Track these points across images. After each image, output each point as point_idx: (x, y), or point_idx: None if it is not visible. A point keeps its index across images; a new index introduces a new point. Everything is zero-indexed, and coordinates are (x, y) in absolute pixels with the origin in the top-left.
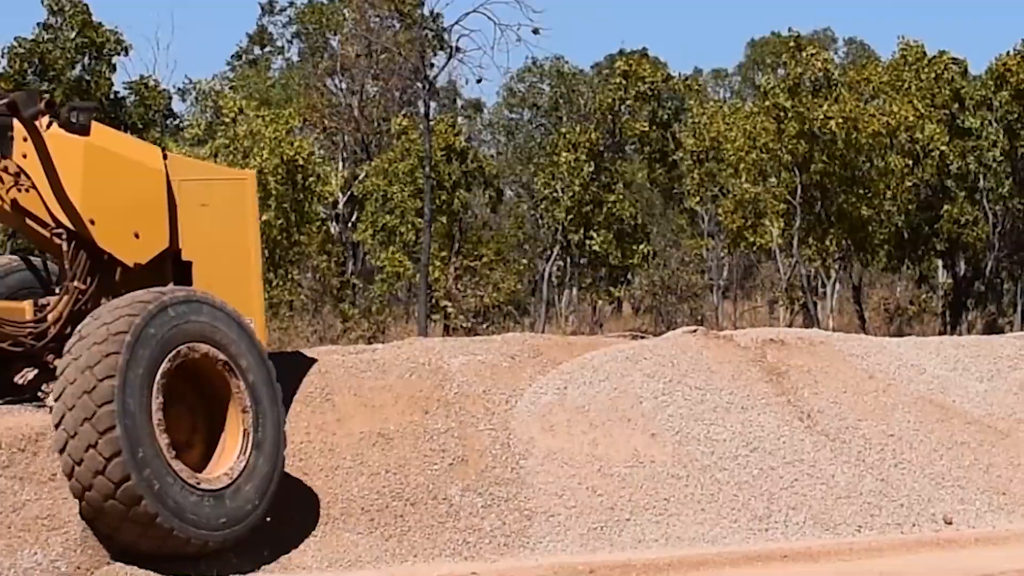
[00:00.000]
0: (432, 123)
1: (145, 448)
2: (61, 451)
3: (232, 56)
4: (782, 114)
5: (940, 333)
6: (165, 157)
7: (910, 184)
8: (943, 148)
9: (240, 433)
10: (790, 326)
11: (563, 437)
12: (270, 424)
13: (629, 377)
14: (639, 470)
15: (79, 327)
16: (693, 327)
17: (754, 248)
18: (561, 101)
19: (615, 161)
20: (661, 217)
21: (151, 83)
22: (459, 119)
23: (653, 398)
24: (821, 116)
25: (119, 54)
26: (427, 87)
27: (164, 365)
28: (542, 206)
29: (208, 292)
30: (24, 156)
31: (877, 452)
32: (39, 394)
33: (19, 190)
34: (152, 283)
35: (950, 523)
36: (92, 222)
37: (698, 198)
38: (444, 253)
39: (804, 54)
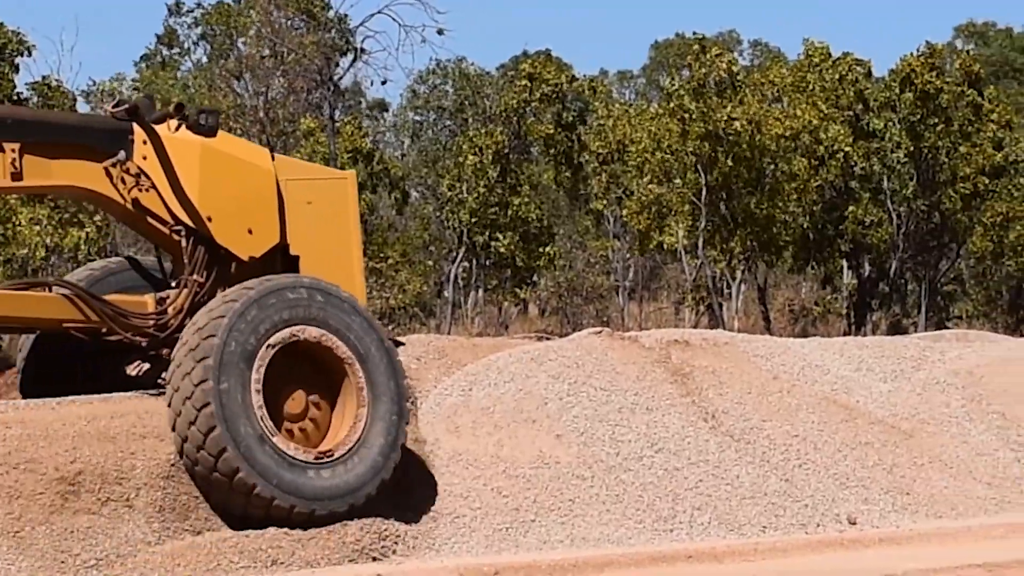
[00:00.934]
0: (338, 125)
1: (242, 423)
2: (172, 428)
3: (141, 57)
4: (687, 116)
5: (845, 334)
6: (273, 158)
7: (815, 186)
8: (847, 149)
9: (355, 411)
10: (695, 327)
11: (468, 438)
12: (386, 401)
13: (534, 378)
14: (544, 471)
15: (194, 318)
16: (598, 328)
17: (660, 249)
18: (466, 103)
19: (520, 163)
20: (567, 219)
21: (54, 84)
22: (365, 121)
23: (558, 399)
24: (725, 117)
25: (22, 55)
26: (332, 89)
27: (266, 346)
28: (447, 208)
29: (319, 279)
30: (144, 158)
31: (781, 453)
32: (159, 381)
33: (140, 190)
34: (264, 275)
35: (854, 523)
36: (209, 219)
37: (604, 200)
38: None
39: (708, 55)
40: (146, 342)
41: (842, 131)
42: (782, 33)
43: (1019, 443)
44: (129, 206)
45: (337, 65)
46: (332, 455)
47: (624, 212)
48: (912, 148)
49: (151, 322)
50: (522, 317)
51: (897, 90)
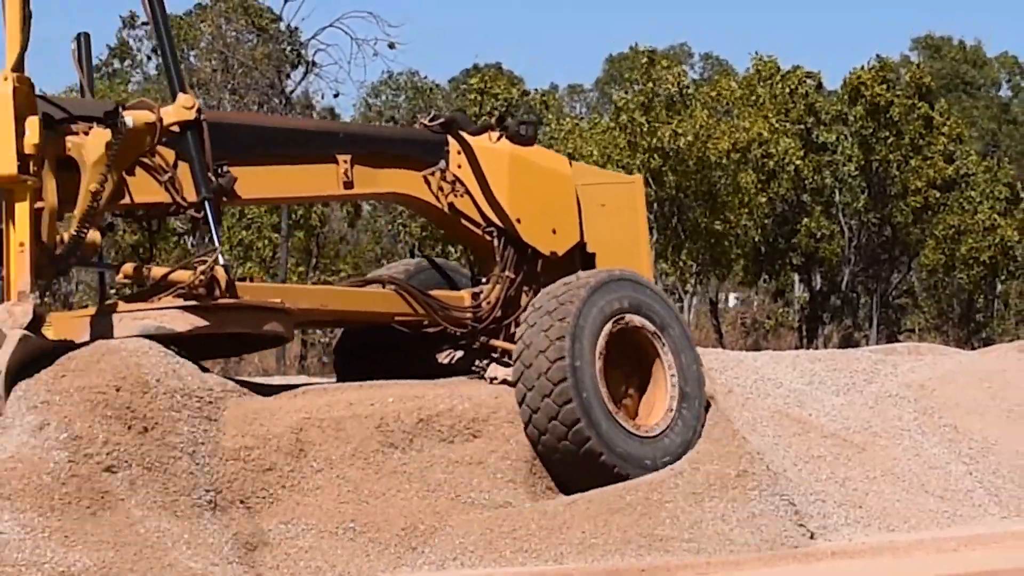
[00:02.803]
0: None
1: (591, 397)
2: (520, 403)
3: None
4: (637, 129)
5: (796, 347)
6: (571, 165)
7: (764, 199)
8: (798, 163)
9: (667, 390)
10: None
11: None
12: (693, 382)
13: None
14: None
15: (534, 301)
16: None
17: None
18: (418, 116)
19: None
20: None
21: None
22: None
23: None
24: (671, 132)
25: None
26: (284, 102)
27: (604, 330)
28: (399, 221)
29: (636, 272)
30: (459, 167)
31: None
32: (472, 369)
33: (455, 196)
34: (566, 272)
35: (812, 537)
36: (518, 221)
37: None
38: (302, 268)
39: (657, 69)
40: (461, 333)
41: (793, 144)
42: (735, 46)
43: (970, 456)
44: (445, 210)
45: (288, 77)
46: (655, 431)
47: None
48: (863, 161)
49: (469, 315)
50: None
51: (847, 103)
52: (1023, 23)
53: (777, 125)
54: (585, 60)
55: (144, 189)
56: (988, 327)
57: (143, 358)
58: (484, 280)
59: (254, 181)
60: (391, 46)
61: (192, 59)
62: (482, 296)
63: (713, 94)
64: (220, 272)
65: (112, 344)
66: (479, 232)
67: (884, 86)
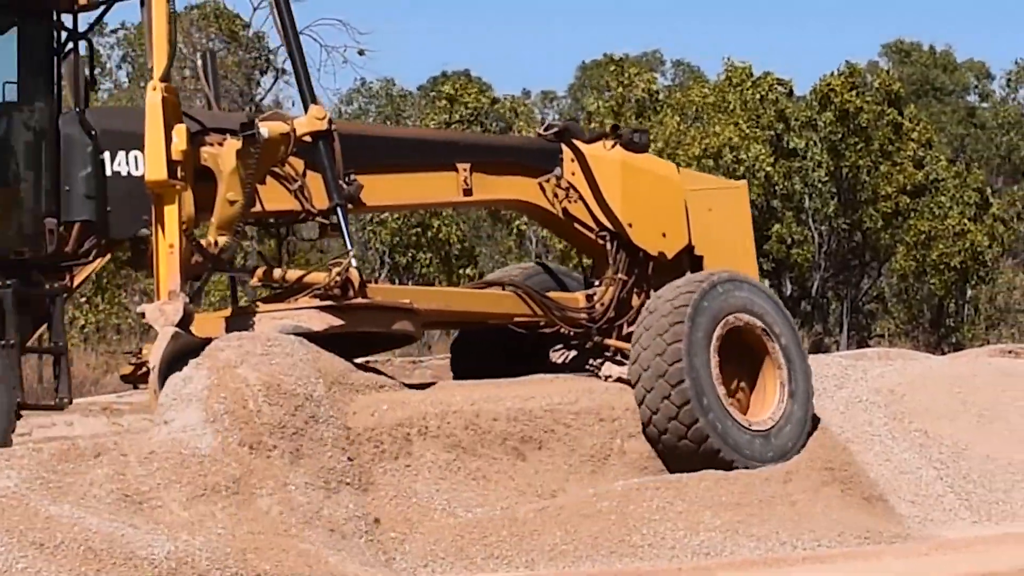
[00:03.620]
0: None
1: (708, 397)
2: (640, 403)
3: None
4: None
5: None
6: (678, 171)
7: None
8: (768, 169)
9: (777, 386)
10: None
11: None
12: (801, 378)
13: None
14: None
15: (647, 305)
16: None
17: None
18: (388, 123)
19: None
20: (489, 239)
21: None
22: None
23: None
24: None
25: None
26: (254, 109)
27: (717, 331)
28: (369, 228)
29: (745, 274)
30: (572, 174)
31: None
32: (586, 367)
33: (569, 201)
34: (675, 274)
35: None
36: (630, 225)
37: (526, 220)
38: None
39: (627, 75)
40: (574, 333)
41: (763, 150)
42: (706, 53)
43: (941, 461)
44: (560, 216)
45: (258, 85)
46: (767, 425)
47: (546, 232)
48: (833, 167)
49: (583, 315)
50: (445, 337)
51: (817, 109)
52: (990, 30)
53: (747, 131)
54: (559, 67)
55: (274, 197)
56: (958, 332)
57: (291, 349)
58: (597, 282)
59: (379, 189)
60: (360, 52)
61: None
62: (596, 297)
63: (684, 100)
64: (354, 274)
65: (262, 337)
66: (592, 236)
67: (854, 92)
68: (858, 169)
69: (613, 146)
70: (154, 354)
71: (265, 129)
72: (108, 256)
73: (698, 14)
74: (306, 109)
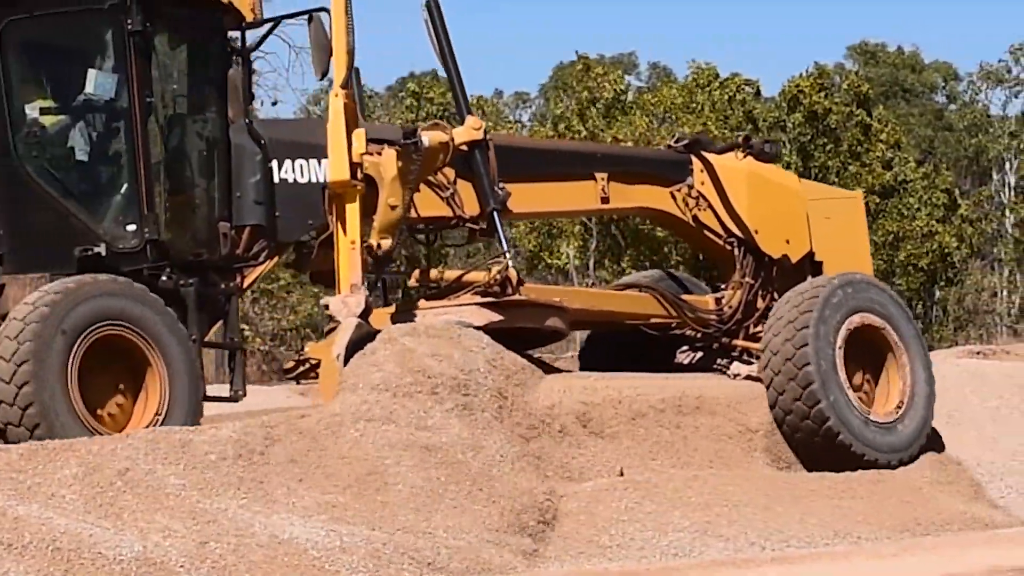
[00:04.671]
0: None
1: (830, 382)
2: (768, 386)
3: None
4: (575, 136)
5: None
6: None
7: None
8: None
9: (900, 382)
10: None
11: None
12: (923, 376)
13: None
14: None
15: (781, 299)
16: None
17: (551, 269)
18: None
19: None
20: (457, 238)
21: None
22: None
23: None
24: (610, 139)
25: None
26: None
27: (844, 326)
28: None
29: (870, 276)
30: (702, 183)
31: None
32: (714, 367)
33: (699, 209)
34: (797, 279)
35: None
36: (756, 232)
37: None
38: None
39: (593, 76)
40: (702, 335)
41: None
42: (681, 55)
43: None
44: (690, 223)
45: None
46: (890, 418)
47: (513, 232)
48: (802, 168)
49: (713, 317)
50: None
51: (786, 110)
52: (955, 31)
53: (716, 132)
54: (537, 68)
55: (427, 203)
56: (927, 334)
57: (467, 339)
58: (723, 286)
59: (525, 197)
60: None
61: None
62: (724, 300)
63: (654, 101)
64: (512, 273)
65: (439, 328)
66: (720, 242)
67: (822, 94)
68: (827, 170)
69: (745, 156)
70: (338, 343)
71: (426, 138)
72: (276, 259)
73: (672, 16)
74: (462, 120)
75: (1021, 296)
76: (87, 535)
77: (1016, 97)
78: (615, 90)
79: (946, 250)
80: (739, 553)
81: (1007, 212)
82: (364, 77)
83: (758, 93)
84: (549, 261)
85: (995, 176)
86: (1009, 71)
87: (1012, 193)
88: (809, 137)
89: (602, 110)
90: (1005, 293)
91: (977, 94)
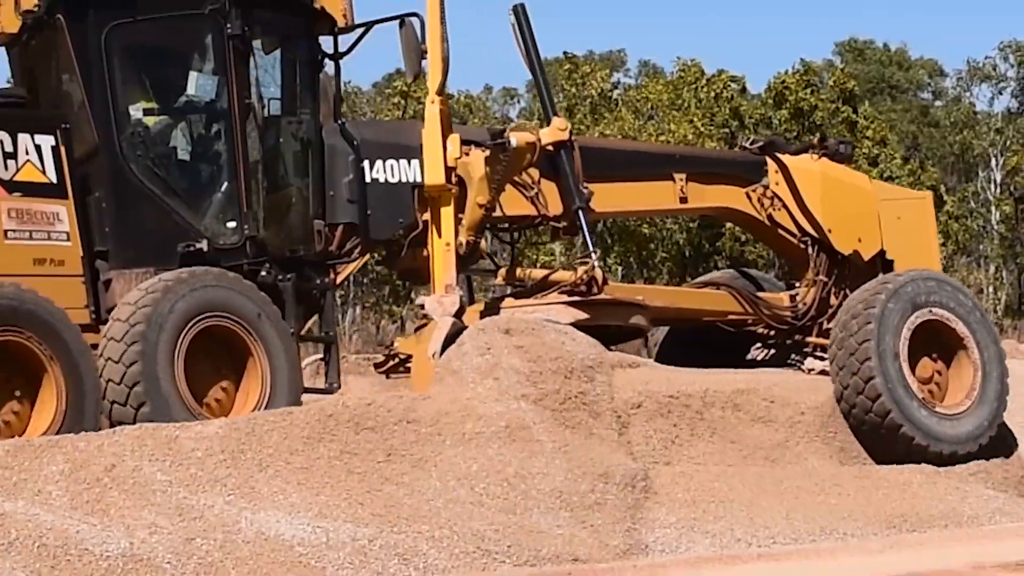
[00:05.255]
0: None
1: (893, 376)
2: (834, 380)
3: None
4: None
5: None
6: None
7: None
8: None
9: (971, 375)
10: None
11: None
12: (994, 368)
13: None
14: None
15: (851, 296)
16: None
17: (536, 266)
18: None
19: None
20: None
21: None
22: None
23: None
24: (597, 135)
25: None
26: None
27: (909, 320)
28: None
29: (943, 273)
30: (776, 183)
31: None
32: (788, 362)
33: (774, 209)
34: (869, 277)
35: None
36: (830, 231)
37: None
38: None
39: (580, 74)
40: (777, 331)
41: (718, 147)
42: (670, 52)
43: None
44: (765, 222)
45: None
46: (958, 409)
47: None
48: None
49: (788, 314)
50: (399, 334)
51: (772, 107)
52: (943, 29)
53: (702, 128)
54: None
55: (512, 203)
56: None
57: (561, 335)
58: (797, 284)
59: (607, 196)
60: None
61: None
62: (799, 297)
63: (640, 98)
64: (598, 272)
65: (528, 322)
66: (795, 241)
67: (808, 90)
68: None
69: (820, 156)
70: (434, 341)
71: (514, 139)
72: (367, 256)
73: (662, 13)
74: (548, 121)
75: (1007, 293)
76: (73, 532)
77: (1002, 94)
78: (602, 88)
79: None
80: (725, 549)
81: (993, 208)
82: (349, 74)
83: (744, 90)
84: (534, 257)
85: (981, 173)
86: (995, 68)
87: (998, 189)
88: (795, 134)
89: (589, 107)
90: (991, 290)
91: (964, 91)
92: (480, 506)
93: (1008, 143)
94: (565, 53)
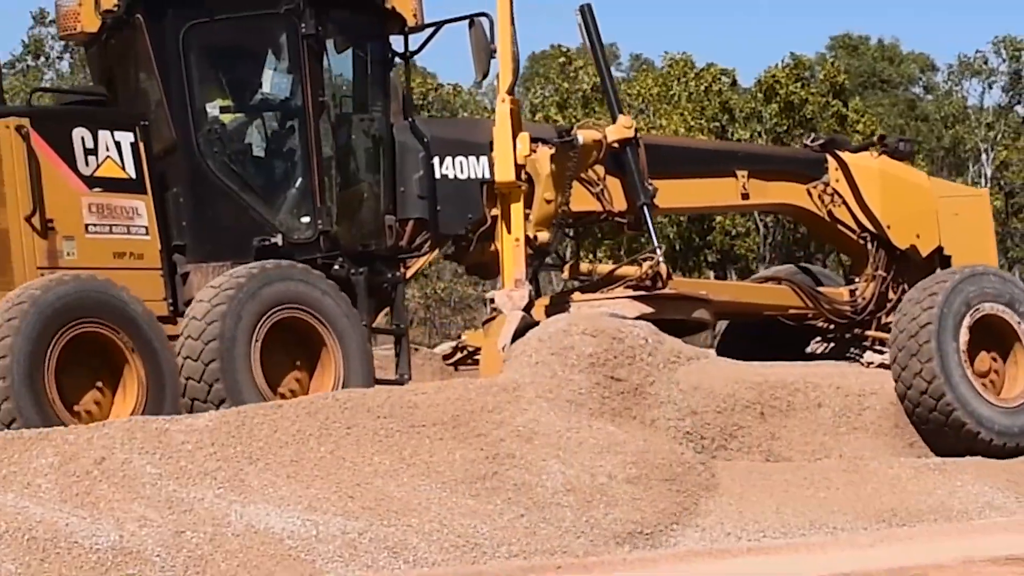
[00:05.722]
0: None
1: (955, 374)
2: (896, 380)
3: (4, 64)
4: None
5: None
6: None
7: None
8: None
9: None
10: None
11: None
12: None
13: None
14: None
15: (908, 293)
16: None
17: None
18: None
19: None
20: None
21: None
22: None
23: None
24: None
25: None
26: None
27: (967, 317)
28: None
29: (1000, 269)
30: (836, 180)
31: None
32: (846, 356)
33: (834, 205)
34: (927, 272)
35: None
36: (888, 227)
37: None
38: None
39: (572, 68)
40: (836, 325)
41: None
42: (663, 46)
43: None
44: (826, 218)
45: None
46: (1016, 402)
47: None
48: None
49: (848, 308)
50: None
51: (762, 101)
52: (937, 24)
53: (692, 122)
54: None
55: (576, 199)
56: None
57: (630, 326)
58: (856, 279)
59: (670, 193)
60: None
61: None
62: (858, 292)
63: (631, 92)
64: (663, 267)
65: (600, 316)
66: (854, 237)
67: (799, 84)
68: None
69: (881, 154)
70: (503, 334)
71: (582, 136)
72: (436, 251)
73: (653, 7)
74: (614, 119)
75: (846, 280)
76: (63, 524)
77: (992, 88)
78: (594, 82)
79: None
80: (715, 543)
81: None
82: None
83: (735, 83)
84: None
85: (971, 167)
86: (987, 62)
87: (988, 184)
88: (785, 128)
89: (581, 101)
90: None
91: (955, 85)
92: (471, 499)
93: (999, 137)
94: (557, 47)
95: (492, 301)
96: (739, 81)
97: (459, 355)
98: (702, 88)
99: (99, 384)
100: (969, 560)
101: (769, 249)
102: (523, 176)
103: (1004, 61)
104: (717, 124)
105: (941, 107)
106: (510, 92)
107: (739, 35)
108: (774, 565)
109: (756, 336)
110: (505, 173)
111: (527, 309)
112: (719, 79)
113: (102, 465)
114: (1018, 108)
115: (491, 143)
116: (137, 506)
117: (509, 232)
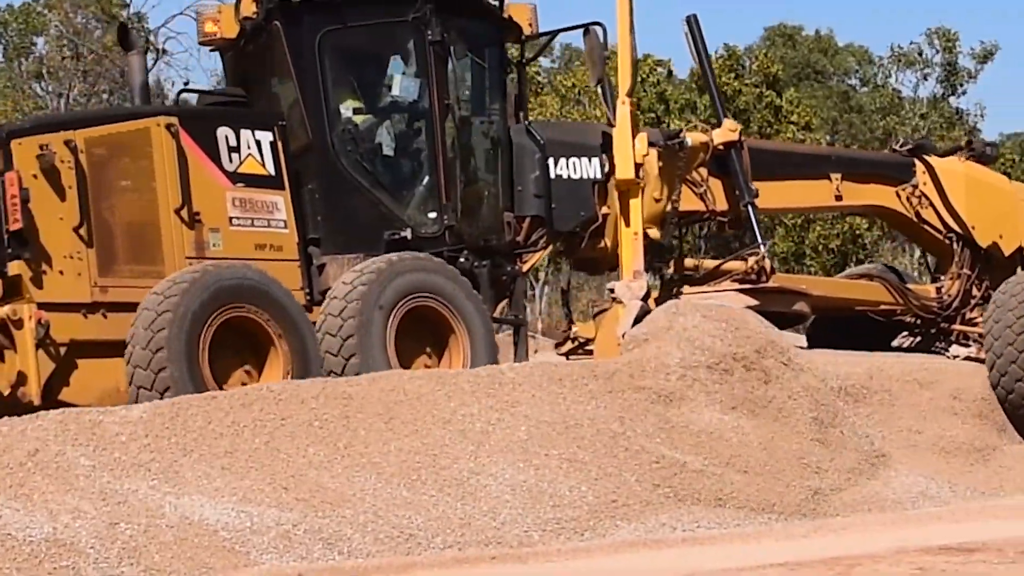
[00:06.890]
0: None
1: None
2: (990, 369)
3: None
4: None
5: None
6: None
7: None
8: None
9: None
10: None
11: None
12: None
13: None
14: None
15: (1000, 290)
16: None
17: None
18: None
19: None
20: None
21: None
22: None
23: None
24: None
25: None
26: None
27: None
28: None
29: None
30: (924, 183)
31: None
32: (932, 349)
33: (921, 207)
34: (1010, 270)
35: None
36: (973, 227)
37: None
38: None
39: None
40: (923, 320)
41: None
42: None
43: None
44: (913, 219)
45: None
46: None
47: None
48: None
49: (935, 304)
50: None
51: (697, 92)
52: (872, 15)
53: None
54: None
55: (682, 199)
56: None
57: (749, 316)
58: (942, 277)
59: (769, 194)
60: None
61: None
62: (944, 289)
63: (567, 84)
64: (767, 263)
65: (714, 307)
66: (940, 237)
67: (732, 75)
68: None
69: (968, 157)
70: (623, 323)
71: (690, 138)
72: (551, 247)
73: None
74: (719, 123)
75: (931, 278)
76: None
77: (927, 79)
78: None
79: (857, 231)
80: (650, 534)
81: None
82: None
83: (670, 74)
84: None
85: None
86: (920, 53)
87: None
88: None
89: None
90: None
91: (888, 76)
92: (406, 491)
93: (932, 128)
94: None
95: (612, 291)
96: (675, 72)
97: (571, 345)
98: (638, 79)
99: (247, 368)
100: (902, 550)
101: (704, 240)
102: (641, 174)
103: (938, 52)
104: (653, 115)
105: (875, 98)
106: (629, 95)
107: (674, 26)
108: (708, 556)
109: (844, 330)
110: (625, 171)
111: (645, 299)
112: (655, 70)
113: (35, 457)
114: (951, 99)
115: (602, 145)
116: (71, 498)
117: (628, 226)
